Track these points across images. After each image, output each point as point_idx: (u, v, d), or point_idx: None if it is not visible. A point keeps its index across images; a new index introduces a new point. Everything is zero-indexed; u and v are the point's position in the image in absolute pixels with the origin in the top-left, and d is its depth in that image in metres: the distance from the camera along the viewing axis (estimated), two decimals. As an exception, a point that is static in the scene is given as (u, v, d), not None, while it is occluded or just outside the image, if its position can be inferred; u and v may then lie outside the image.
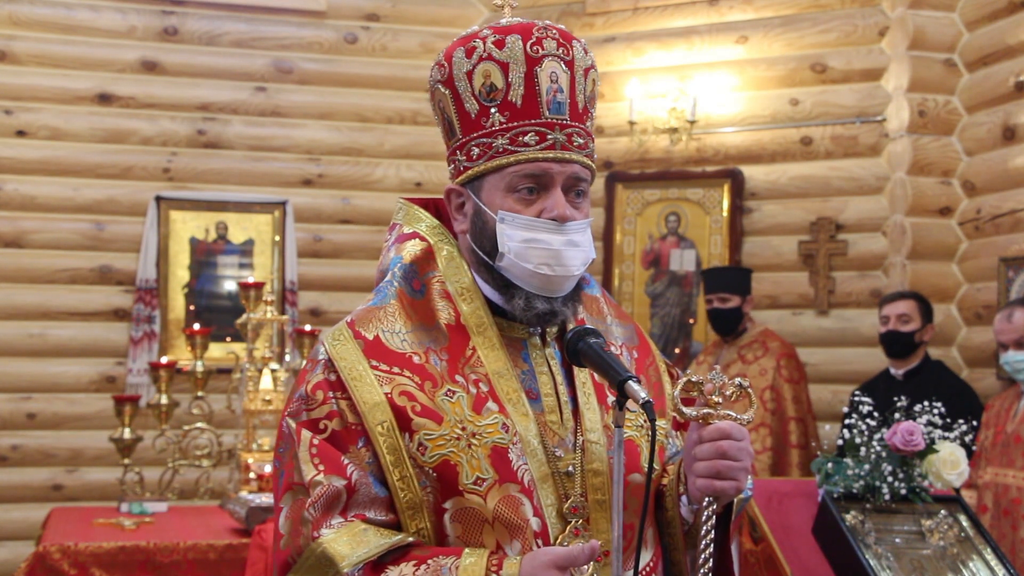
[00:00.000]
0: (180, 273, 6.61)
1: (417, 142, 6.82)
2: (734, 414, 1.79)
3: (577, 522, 1.84)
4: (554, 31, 1.90)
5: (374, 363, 1.84)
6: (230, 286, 6.61)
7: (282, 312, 6.42)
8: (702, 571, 1.78)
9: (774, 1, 6.37)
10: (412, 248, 1.98)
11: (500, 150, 1.87)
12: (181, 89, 6.61)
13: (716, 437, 1.77)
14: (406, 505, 1.80)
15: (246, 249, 6.70)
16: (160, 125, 6.59)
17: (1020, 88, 5.46)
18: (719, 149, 6.47)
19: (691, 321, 6.48)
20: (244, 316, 5.21)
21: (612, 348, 1.98)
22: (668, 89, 6.48)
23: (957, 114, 5.94)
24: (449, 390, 1.84)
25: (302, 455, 1.81)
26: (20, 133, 6.42)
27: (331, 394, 1.84)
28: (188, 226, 6.62)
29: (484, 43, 1.88)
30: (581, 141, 1.89)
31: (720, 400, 1.80)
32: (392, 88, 6.82)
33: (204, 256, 6.65)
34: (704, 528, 1.79)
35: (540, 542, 1.81)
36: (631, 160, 6.63)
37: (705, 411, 1.79)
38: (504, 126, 1.87)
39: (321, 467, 1.79)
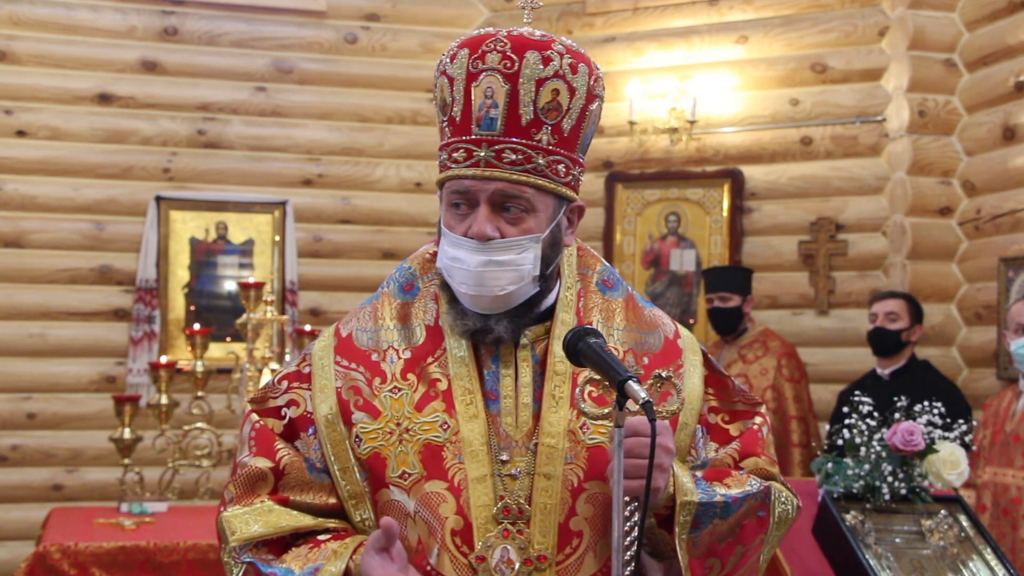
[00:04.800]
0: (180, 273, 6.61)
1: (417, 142, 6.82)
2: (661, 409, 1.75)
3: (511, 524, 1.83)
4: (504, 43, 1.84)
5: (339, 359, 1.94)
6: (230, 286, 6.60)
7: (282, 312, 6.42)
8: (624, 573, 1.72)
9: (774, 1, 6.37)
10: (421, 253, 2.06)
11: (442, 165, 1.92)
12: (181, 89, 6.61)
13: (626, 435, 1.74)
14: (348, 495, 1.89)
15: (246, 249, 6.70)
16: (160, 125, 6.59)
17: (1020, 88, 5.46)
18: (719, 149, 6.47)
19: (691, 321, 6.47)
20: (244, 316, 5.21)
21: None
22: (668, 89, 6.48)
23: (957, 114, 5.93)
24: (395, 387, 1.90)
25: (242, 436, 1.94)
26: (20, 133, 6.42)
27: (295, 384, 1.95)
28: (188, 226, 6.62)
29: (446, 55, 1.90)
30: (516, 157, 1.83)
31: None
32: (392, 88, 6.81)
33: (204, 256, 6.65)
34: (627, 525, 1.75)
35: (459, 540, 1.82)
36: (631, 160, 6.63)
37: (608, 409, 1.74)
38: (446, 141, 1.90)
39: (254, 449, 1.91)
